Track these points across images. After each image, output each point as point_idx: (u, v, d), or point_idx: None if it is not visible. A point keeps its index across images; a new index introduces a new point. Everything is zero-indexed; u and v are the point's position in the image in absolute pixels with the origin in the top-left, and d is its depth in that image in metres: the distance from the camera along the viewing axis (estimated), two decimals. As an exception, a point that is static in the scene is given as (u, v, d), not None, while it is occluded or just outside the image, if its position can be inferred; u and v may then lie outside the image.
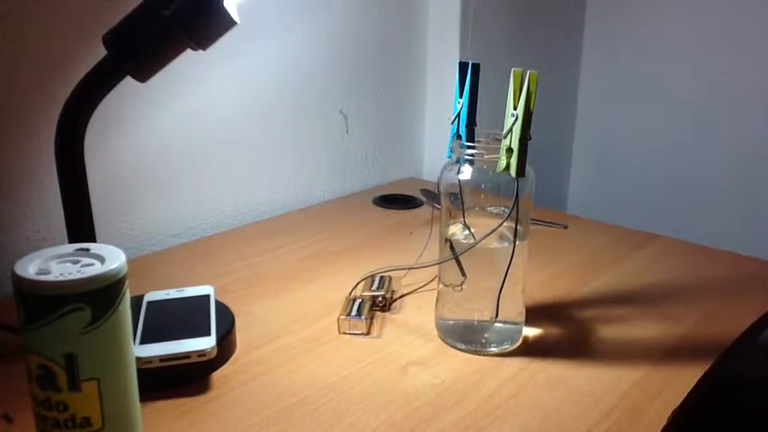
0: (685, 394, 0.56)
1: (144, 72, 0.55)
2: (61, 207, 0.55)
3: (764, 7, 1.20)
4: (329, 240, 0.88)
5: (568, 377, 0.58)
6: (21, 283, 0.38)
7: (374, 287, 0.70)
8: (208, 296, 0.64)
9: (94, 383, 0.40)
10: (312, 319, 0.67)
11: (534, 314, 0.65)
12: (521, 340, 0.63)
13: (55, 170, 0.54)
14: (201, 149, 0.91)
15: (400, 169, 1.21)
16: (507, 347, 0.62)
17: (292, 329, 0.65)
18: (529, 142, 0.56)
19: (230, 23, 0.54)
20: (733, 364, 0.64)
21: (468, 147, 0.59)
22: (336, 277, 0.76)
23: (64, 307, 0.38)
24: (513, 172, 0.56)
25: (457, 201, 0.61)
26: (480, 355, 0.61)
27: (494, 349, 0.61)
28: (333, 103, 1.06)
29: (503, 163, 0.57)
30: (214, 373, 0.58)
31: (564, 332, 0.66)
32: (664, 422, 0.52)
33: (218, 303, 0.63)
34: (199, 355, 0.54)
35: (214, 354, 0.55)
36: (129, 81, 0.54)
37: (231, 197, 0.96)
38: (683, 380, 0.57)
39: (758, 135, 1.24)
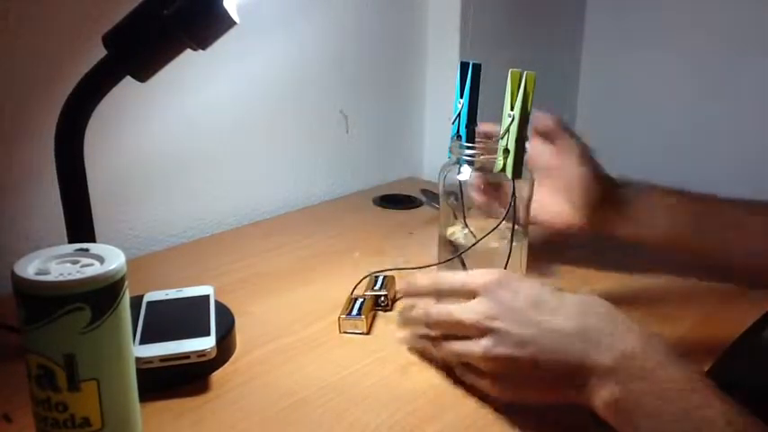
0: (685, 394, 0.56)
1: (144, 72, 0.55)
2: (61, 207, 0.55)
3: (765, 7, 1.20)
4: (329, 240, 0.88)
5: (568, 377, 0.58)
6: (20, 283, 0.38)
7: (377, 287, 0.70)
8: (207, 296, 0.64)
9: (94, 383, 0.40)
10: (312, 318, 0.67)
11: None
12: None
13: (55, 170, 0.54)
14: (201, 149, 0.90)
15: (400, 169, 1.21)
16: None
17: (292, 329, 0.65)
18: (527, 143, 0.56)
19: (230, 23, 0.54)
20: (733, 364, 0.64)
21: (468, 147, 0.59)
22: (336, 277, 0.76)
23: (63, 307, 0.38)
24: (509, 173, 0.56)
25: (457, 201, 0.61)
26: (480, 355, 0.61)
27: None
28: (333, 103, 1.06)
29: (500, 164, 0.57)
30: (214, 373, 0.58)
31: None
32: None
33: (217, 303, 0.63)
34: (199, 356, 0.54)
35: (214, 354, 0.55)
36: (129, 81, 0.54)
37: (231, 197, 0.96)
38: (682, 380, 0.57)
39: (759, 135, 1.24)
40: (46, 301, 0.38)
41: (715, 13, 1.25)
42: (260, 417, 0.53)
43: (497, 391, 0.52)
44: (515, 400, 0.52)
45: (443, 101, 1.19)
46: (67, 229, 0.56)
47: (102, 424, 0.41)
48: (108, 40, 0.53)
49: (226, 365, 0.59)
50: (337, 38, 1.04)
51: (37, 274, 0.39)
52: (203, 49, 0.55)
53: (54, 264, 0.40)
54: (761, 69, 1.23)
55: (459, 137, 0.61)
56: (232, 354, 0.61)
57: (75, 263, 0.41)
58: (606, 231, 0.72)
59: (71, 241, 0.55)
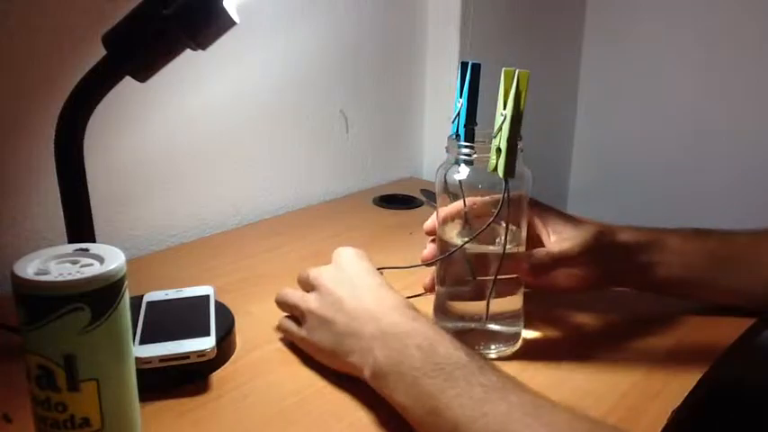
0: (685, 395, 0.56)
1: (143, 72, 0.55)
2: (61, 207, 0.55)
3: (765, 7, 1.20)
4: (329, 240, 0.88)
5: (568, 378, 0.58)
6: (20, 284, 0.38)
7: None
8: (207, 296, 0.64)
9: (94, 384, 0.40)
10: (312, 319, 0.67)
11: (533, 315, 0.65)
12: (520, 342, 0.63)
13: (55, 170, 0.54)
14: (201, 149, 0.90)
15: (400, 169, 1.21)
16: (506, 350, 0.62)
17: (292, 329, 0.65)
18: (526, 142, 0.56)
19: (230, 23, 0.54)
20: (732, 364, 0.64)
21: (464, 147, 0.59)
22: (336, 277, 0.76)
23: (63, 307, 0.38)
24: (500, 172, 0.55)
25: (454, 200, 0.61)
26: (480, 355, 0.61)
27: (492, 352, 0.61)
28: (333, 103, 1.06)
29: (492, 163, 0.56)
30: (214, 373, 0.58)
31: (563, 333, 0.66)
32: (664, 422, 0.52)
33: (217, 303, 0.63)
34: (198, 356, 0.54)
35: (214, 354, 0.55)
36: (128, 81, 0.54)
37: (231, 197, 0.96)
38: (682, 380, 0.57)
39: (759, 135, 1.24)
40: (46, 301, 0.38)
41: (715, 12, 1.26)
42: (260, 417, 0.53)
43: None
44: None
45: (443, 101, 1.19)
46: (67, 229, 0.56)
47: (101, 424, 0.41)
48: (107, 40, 0.53)
49: (226, 365, 0.59)
50: (337, 38, 1.04)
51: (37, 274, 0.39)
52: (203, 49, 0.55)
53: (54, 264, 0.40)
54: (761, 69, 1.23)
55: (457, 136, 0.61)
56: (232, 354, 0.61)
57: (74, 263, 0.41)
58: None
59: (71, 241, 0.55)
